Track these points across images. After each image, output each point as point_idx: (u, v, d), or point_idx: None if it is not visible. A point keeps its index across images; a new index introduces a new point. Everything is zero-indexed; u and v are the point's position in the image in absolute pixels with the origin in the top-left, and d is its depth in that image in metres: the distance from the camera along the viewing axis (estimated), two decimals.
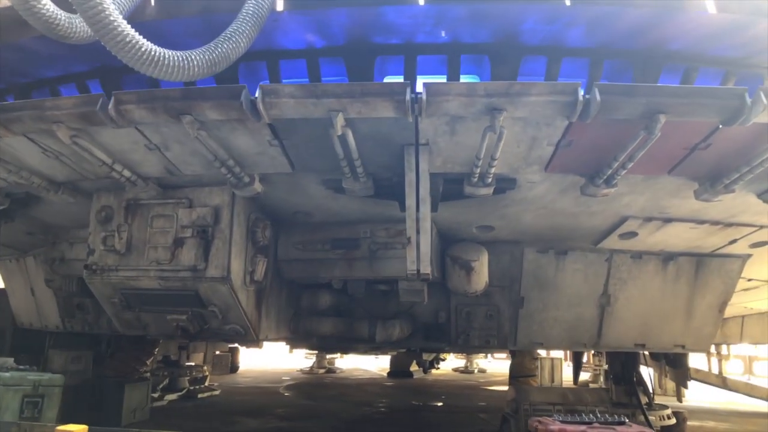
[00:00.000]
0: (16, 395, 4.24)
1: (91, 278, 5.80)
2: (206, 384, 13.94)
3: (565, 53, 5.39)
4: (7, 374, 4.39)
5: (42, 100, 4.54)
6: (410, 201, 4.76)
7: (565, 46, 5.34)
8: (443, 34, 5.14)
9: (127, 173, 5.27)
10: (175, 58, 3.64)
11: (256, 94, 4.08)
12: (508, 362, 27.43)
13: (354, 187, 5.08)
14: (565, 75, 5.52)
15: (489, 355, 26.62)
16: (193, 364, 13.96)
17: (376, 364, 25.57)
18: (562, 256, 6.59)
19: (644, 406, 7.79)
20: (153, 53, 3.54)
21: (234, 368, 19.72)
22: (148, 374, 10.92)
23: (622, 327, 6.87)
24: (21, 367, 4.75)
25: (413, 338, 6.88)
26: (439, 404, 13.24)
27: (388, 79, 5.72)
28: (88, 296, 7.80)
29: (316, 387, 16.68)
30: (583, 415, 4.82)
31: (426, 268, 4.93)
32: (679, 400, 9.40)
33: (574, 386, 8.06)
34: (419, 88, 4.09)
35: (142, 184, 5.48)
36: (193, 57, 3.72)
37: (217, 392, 13.79)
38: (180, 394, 12.81)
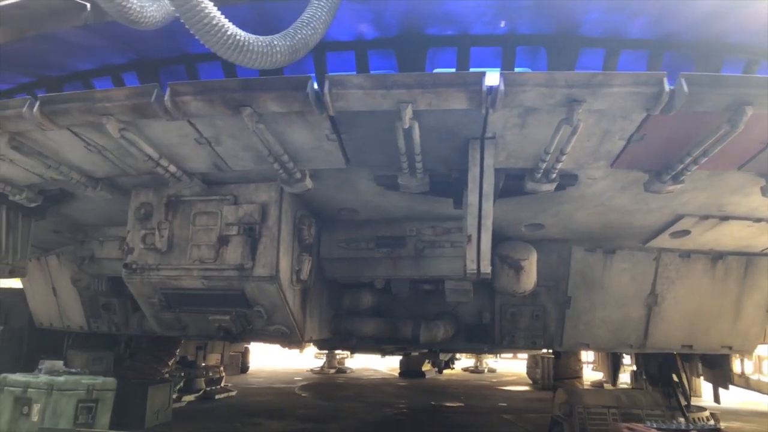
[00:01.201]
0: (71, 400, 4.04)
1: (130, 278, 5.60)
2: (222, 385, 13.74)
3: (625, 45, 5.22)
4: (62, 378, 4.19)
5: (92, 92, 4.36)
6: (473, 197, 4.57)
7: (626, 38, 5.17)
8: (503, 24, 4.96)
9: (172, 168, 5.08)
10: (259, 43, 3.45)
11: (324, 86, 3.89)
12: (515, 362, 27.41)
13: (410, 183, 4.90)
14: (622, 68, 5.37)
15: (497, 355, 26.49)
16: (209, 364, 13.75)
17: (384, 364, 25.41)
18: (610, 255, 6.43)
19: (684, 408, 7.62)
20: (238, 38, 3.35)
21: (244, 368, 19.51)
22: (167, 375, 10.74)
23: (669, 328, 6.71)
24: (73, 370, 4.55)
25: (456, 339, 6.70)
26: (460, 405, 13.06)
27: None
28: (116, 296, 7.66)
29: (330, 387, 16.49)
30: (675, 422, 4.65)
31: (486, 268, 4.75)
32: (717, 401, 9.25)
33: (626, 388, 7.89)
34: None
35: (187, 180, 5.28)
36: (275, 43, 3.53)
37: (233, 393, 13.59)
38: (197, 395, 12.60)
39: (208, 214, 5.51)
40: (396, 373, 21.57)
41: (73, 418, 3.97)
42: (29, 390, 4.02)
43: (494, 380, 20.49)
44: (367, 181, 5.27)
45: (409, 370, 20.14)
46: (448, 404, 13.13)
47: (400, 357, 21.68)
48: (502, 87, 3.75)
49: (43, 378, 4.13)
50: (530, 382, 19.73)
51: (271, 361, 23.12)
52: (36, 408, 3.90)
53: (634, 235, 6.20)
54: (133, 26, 3.82)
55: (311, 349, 23.84)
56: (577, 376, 8.16)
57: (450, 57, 5.50)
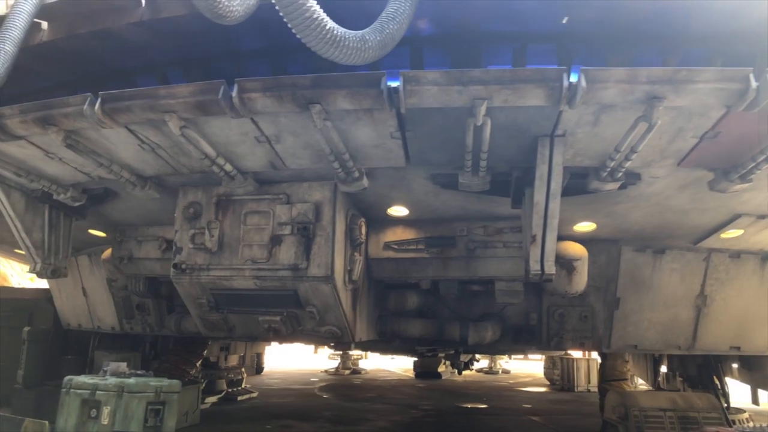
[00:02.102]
0: (141, 403, 3.95)
1: (179, 278, 5.53)
2: (243, 386, 13.66)
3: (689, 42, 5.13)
4: (132, 380, 4.10)
5: (155, 88, 4.27)
6: (539, 196, 4.49)
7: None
8: (565, 20, 4.88)
9: (228, 167, 5.01)
10: (353, 38, 3.37)
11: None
12: (527, 363, 27.17)
13: (471, 182, 4.82)
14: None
15: (510, 356, 26.36)
16: (229, 365, 13.68)
17: (397, 365, 25.34)
18: (660, 255, 6.34)
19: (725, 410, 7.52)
20: (336, 33, 3.27)
21: (259, 369, 19.43)
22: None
23: (718, 329, 6.62)
24: (139, 372, 4.47)
25: (502, 340, 6.61)
26: (484, 406, 12.96)
27: None
28: (154, 297, 7.58)
29: (350, 388, 16.40)
30: (759, 426, 4.55)
31: (551, 268, 4.68)
32: (756, 402, 9.13)
33: (681, 391, 7.79)
34: None
35: (241, 178, 5.21)
36: (367, 38, 3.45)
37: (255, 394, 13.50)
38: (219, 396, 12.53)
39: (260, 214, 5.43)
40: (410, 374, 21.49)
41: (142, 420, 3.89)
42: (97, 392, 3.94)
43: (511, 381, 20.39)
44: (423, 180, 5.19)
45: (424, 371, 20.06)
46: (473, 406, 13.03)
47: (414, 358, 21.67)
48: (583, 83, 3.66)
49: (112, 380, 4.05)
50: (547, 382, 19.66)
51: (284, 362, 23.05)
52: (106, 411, 3.81)
53: (685, 234, 6.12)
54: (217, 20, 3.75)
55: (324, 351, 23.85)
56: (625, 378, 8.06)
57: (504, 55, 5.42)
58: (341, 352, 21.85)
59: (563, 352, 16.86)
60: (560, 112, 4.02)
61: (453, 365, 17.04)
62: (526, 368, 26.30)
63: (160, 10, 4.96)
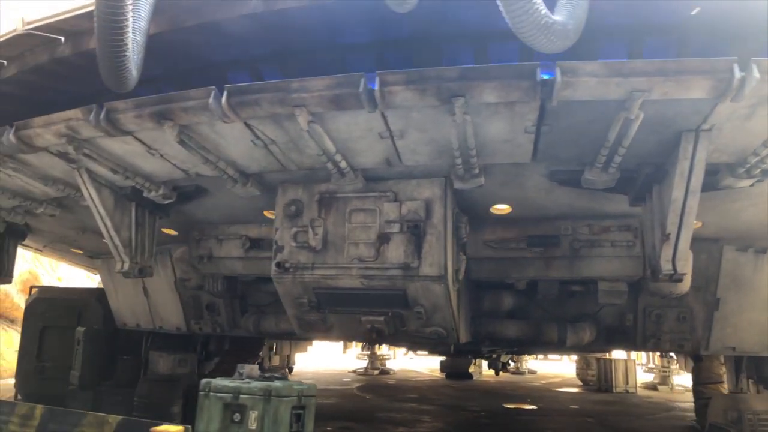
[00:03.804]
0: (287, 407, 3.81)
1: (281, 277, 5.39)
2: None
3: None
4: (279, 384, 3.95)
5: (287, 81, 4.12)
6: (677, 193, 4.33)
7: None
8: (695, 11, 4.71)
9: (343, 164, 4.87)
10: (557, 25, 3.22)
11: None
12: (547, 363, 26.91)
13: (599, 179, 4.67)
14: None
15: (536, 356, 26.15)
16: (272, 365, 13.57)
17: (422, 365, 25.21)
18: (762, 254, 6.17)
19: None
20: (548, 20, 3.11)
21: (290, 369, 19.31)
22: None
23: None
24: (276, 375, 4.33)
25: (596, 341, 6.46)
26: (533, 407, 12.81)
27: None
28: (231, 296, 7.45)
29: (386, 388, 16.27)
30: None
31: (684, 267, 4.53)
32: None
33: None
34: None
35: (352, 176, 5.07)
36: (568, 25, 3.30)
37: None
38: None
39: (366, 211, 5.29)
40: (437, 374, 21.37)
41: (288, 425, 3.75)
42: (241, 396, 3.80)
43: (543, 381, 20.26)
44: (539, 177, 5.04)
45: (455, 371, 19.92)
46: (519, 407, 12.88)
47: (441, 358, 21.52)
48: (756, 74, 3.50)
49: (258, 383, 3.90)
50: (579, 383, 19.52)
51: (310, 362, 22.91)
52: (253, 415, 3.67)
53: None
54: (395, 8, 3.59)
55: (352, 351, 23.71)
56: (721, 380, 7.89)
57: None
58: (369, 353, 21.76)
59: (602, 354, 16.71)
60: (715, 106, 3.86)
61: (491, 366, 16.91)
62: (550, 368, 26.17)
63: (276, 1, 4.82)
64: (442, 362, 21.30)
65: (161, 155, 5.21)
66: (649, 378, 19.31)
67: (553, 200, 5.43)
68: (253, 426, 3.67)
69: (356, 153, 4.83)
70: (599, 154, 4.36)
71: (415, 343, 6.29)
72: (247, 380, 4.07)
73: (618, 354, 16.27)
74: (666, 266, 4.52)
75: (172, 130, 4.58)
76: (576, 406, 13.17)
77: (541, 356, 27.14)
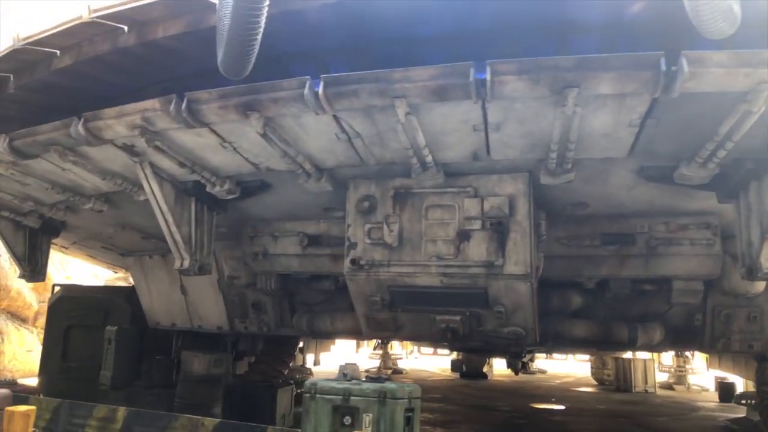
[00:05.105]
0: (402, 409, 3.65)
1: (354, 274, 5.24)
2: None
3: None
4: (394, 386, 3.79)
5: (389, 71, 3.96)
6: None
7: None
8: None
9: (429, 158, 4.71)
10: (731, 13, 3.08)
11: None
12: (554, 362, 26.77)
13: (696, 174, 4.54)
14: None
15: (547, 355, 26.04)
16: (296, 365, 13.38)
17: (432, 364, 25.09)
18: None
19: None
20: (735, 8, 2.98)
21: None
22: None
23: None
24: (384, 376, 4.18)
25: (663, 342, 6.34)
26: (562, 407, 12.71)
27: None
28: (284, 294, 7.29)
29: None
30: None
31: None
32: None
33: None
34: None
35: (434, 170, 4.91)
36: (735, 10, 3.15)
37: None
38: None
39: (443, 208, 5.14)
40: (448, 373, 21.25)
41: (402, 428, 3.60)
42: (352, 398, 3.64)
43: (557, 381, 20.19)
44: (626, 173, 4.92)
45: (469, 371, 19.82)
46: (548, 406, 12.79)
47: (453, 358, 21.40)
48: None
49: (371, 385, 3.75)
50: (594, 382, 19.46)
51: (325, 362, 22.71)
52: (367, 419, 3.51)
53: None
54: None
55: (364, 350, 23.55)
56: None
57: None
58: (382, 352, 21.64)
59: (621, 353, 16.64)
60: None
61: (509, 366, 16.82)
62: (561, 368, 26.11)
63: None
64: (453, 362, 21.19)
65: (234, 148, 5.04)
66: (664, 377, 19.30)
67: (633, 197, 5.31)
68: (368, 429, 3.52)
69: (444, 147, 4.68)
70: (703, 148, 4.24)
71: (488, 343, 6.11)
72: (356, 382, 3.91)
73: (640, 354, 16.23)
74: (766, 264, 4.41)
75: (258, 122, 4.41)
76: (603, 406, 13.09)
77: (542, 355, 27.05)
